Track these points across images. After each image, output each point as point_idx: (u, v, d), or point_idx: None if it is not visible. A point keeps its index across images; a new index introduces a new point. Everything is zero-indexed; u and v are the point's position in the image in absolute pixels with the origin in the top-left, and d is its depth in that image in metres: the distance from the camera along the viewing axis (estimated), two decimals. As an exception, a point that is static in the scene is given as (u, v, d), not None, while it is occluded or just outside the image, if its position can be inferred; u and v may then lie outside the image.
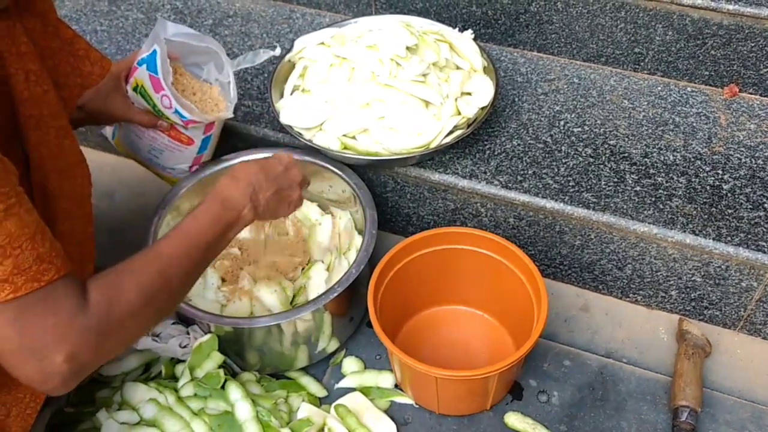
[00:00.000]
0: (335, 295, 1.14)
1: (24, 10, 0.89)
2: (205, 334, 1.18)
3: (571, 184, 1.30)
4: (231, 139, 1.45)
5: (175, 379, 1.21)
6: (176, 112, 1.21)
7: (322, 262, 1.31)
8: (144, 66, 1.18)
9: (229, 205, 0.96)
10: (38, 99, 0.87)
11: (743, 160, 1.33)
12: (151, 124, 1.23)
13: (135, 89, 1.21)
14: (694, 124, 1.41)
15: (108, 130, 1.36)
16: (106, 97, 1.20)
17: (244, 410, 1.13)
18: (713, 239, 1.20)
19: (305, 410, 1.17)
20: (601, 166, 1.33)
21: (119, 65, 1.21)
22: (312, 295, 1.25)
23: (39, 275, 0.75)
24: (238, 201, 0.97)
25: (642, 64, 1.52)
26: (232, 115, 1.28)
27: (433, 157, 1.35)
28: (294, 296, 1.28)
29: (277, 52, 1.31)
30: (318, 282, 1.27)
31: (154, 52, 1.17)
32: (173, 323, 1.21)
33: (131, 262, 0.87)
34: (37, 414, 0.96)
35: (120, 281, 0.83)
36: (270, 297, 1.24)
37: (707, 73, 1.47)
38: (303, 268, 1.33)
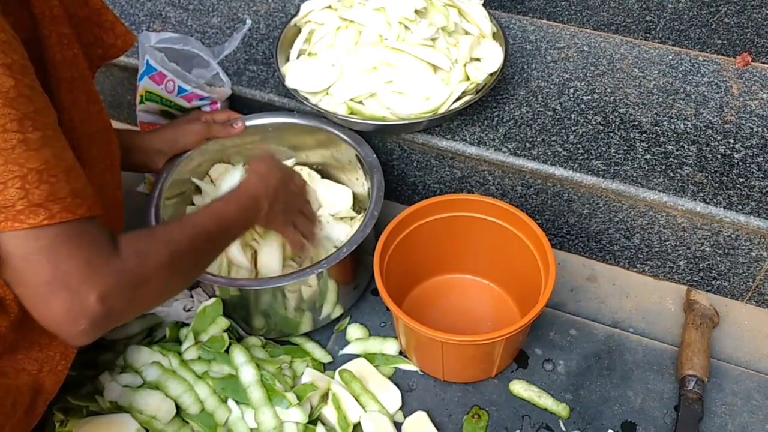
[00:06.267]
0: (342, 257, 1.12)
1: None
2: (210, 297, 1.17)
3: (580, 151, 1.29)
4: (235, 103, 1.43)
5: (179, 342, 1.20)
6: (179, 91, 1.29)
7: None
8: (144, 78, 1.29)
9: (253, 202, 1.06)
10: (70, 62, 0.88)
11: (755, 130, 1.31)
12: (231, 132, 1.30)
13: (142, 101, 1.31)
14: (706, 93, 1.39)
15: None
16: (184, 135, 1.28)
17: (248, 374, 1.12)
18: (724, 207, 1.19)
19: (309, 375, 1.16)
20: (611, 134, 1.31)
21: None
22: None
23: (73, 207, 0.74)
24: (260, 199, 1.07)
25: (653, 32, 1.49)
26: (230, 92, 1.37)
27: (440, 124, 1.33)
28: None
29: (249, 23, 1.42)
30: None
31: (146, 61, 1.28)
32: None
33: (164, 226, 0.93)
34: (67, 371, 0.97)
35: (152, 240, 0.84)
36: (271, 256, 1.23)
37: (720, 41, 1.45)
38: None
